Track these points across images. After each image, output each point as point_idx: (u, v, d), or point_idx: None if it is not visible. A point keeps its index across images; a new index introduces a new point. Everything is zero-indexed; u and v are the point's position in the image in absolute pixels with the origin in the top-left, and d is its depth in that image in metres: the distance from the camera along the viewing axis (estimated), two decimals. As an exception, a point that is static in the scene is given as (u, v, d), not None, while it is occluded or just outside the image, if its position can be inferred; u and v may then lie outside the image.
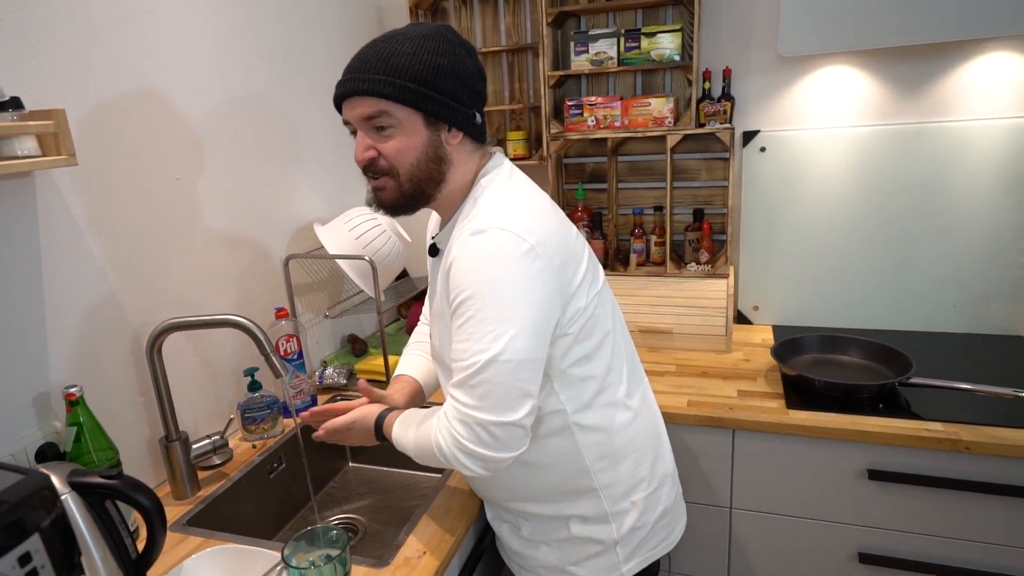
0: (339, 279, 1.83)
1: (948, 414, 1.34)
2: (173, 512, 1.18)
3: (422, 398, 1.19)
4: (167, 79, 1.26)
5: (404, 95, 0.89)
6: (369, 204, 1.00)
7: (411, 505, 1.44)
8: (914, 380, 1.40)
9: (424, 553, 1.03)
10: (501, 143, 1.97)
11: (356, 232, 1.59)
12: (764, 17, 1.72)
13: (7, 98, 0.90)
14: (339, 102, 0.94)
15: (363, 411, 1.07)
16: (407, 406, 1.11)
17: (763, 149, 1.80)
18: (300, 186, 1.67)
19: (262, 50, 1.53)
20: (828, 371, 1.57)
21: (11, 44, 0.98)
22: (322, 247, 1.59)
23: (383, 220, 1.63)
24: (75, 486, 0.87)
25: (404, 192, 0.95)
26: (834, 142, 1.72)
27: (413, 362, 1.22)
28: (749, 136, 1.81)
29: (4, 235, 0.99)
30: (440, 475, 1.30)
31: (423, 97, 0.90)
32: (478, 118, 0.98)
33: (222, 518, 1.23)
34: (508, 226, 0.88)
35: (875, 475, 1.34)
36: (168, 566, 0.98)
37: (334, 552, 0.86)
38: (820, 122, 1.75)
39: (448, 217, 1.01)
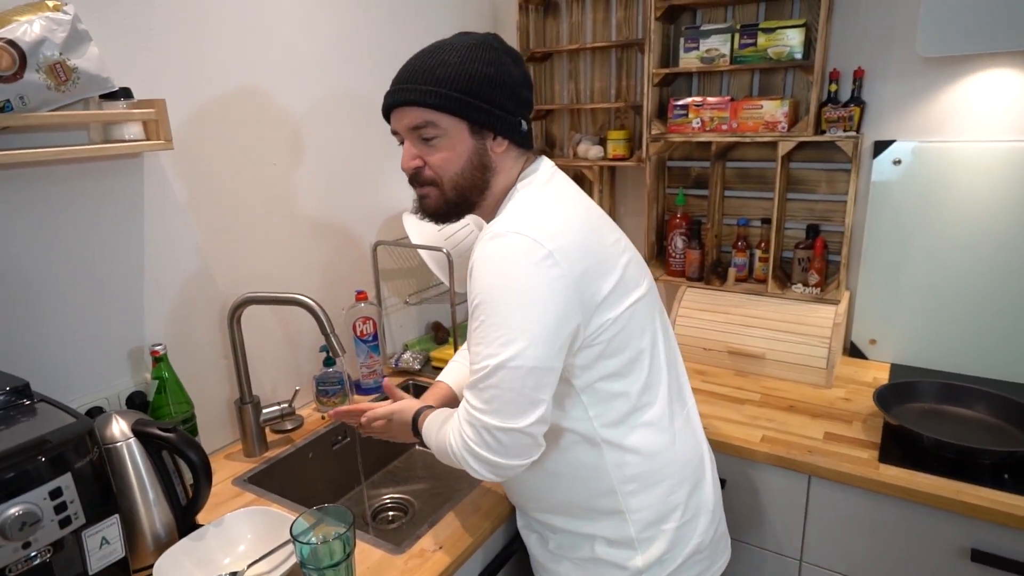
0: (426, 268, 1.89)
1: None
2: (239, 467, 1.30)
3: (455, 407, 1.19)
4: (273, 73, 1.38)
5: (449, 105, 0.91)
6: (415, 212, 1.03)
7: (463, 495, 1.46)
8: (1051, 452, 1.17)
9: (439, 548, 1.05)
10: (602, 142, 1.92)
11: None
12: (908, 12, 1.50)
13: (116, 88, 1.03)
14: (387, 112, 0.97)
15: (403, 404, 1.09)
16: None
17: (897, 162, 1.58)
18: (392, 177, 1.75)
19: (371, 47, 1.61)
20: (942, 426, 1.35)
21: (133, 40, 1.13)
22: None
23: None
24: (137, 434, 0.99)
25: (448, 200, 0.97)
26: (986, 158, 1.46)
27: (455, 370, 1.23)
28: (882, 146, 1.59)
29: (115, 207, 1.14)
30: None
31: (468, 106, 0.91)
32: (524, 125, 0.98)
33: (281, 480, 1.33)
34: (526, 231, 0.86)
35: (980, 557, 1.14)
36: (216, 516, 1.08)
37: (341, 530, 0.90)
38: (970, 134, 1.50)
39: (489, 218, 1.00)
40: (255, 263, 1.40)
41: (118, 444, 0.98)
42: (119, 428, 0.99)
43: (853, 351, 1.74)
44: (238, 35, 1.30)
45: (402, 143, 0.98)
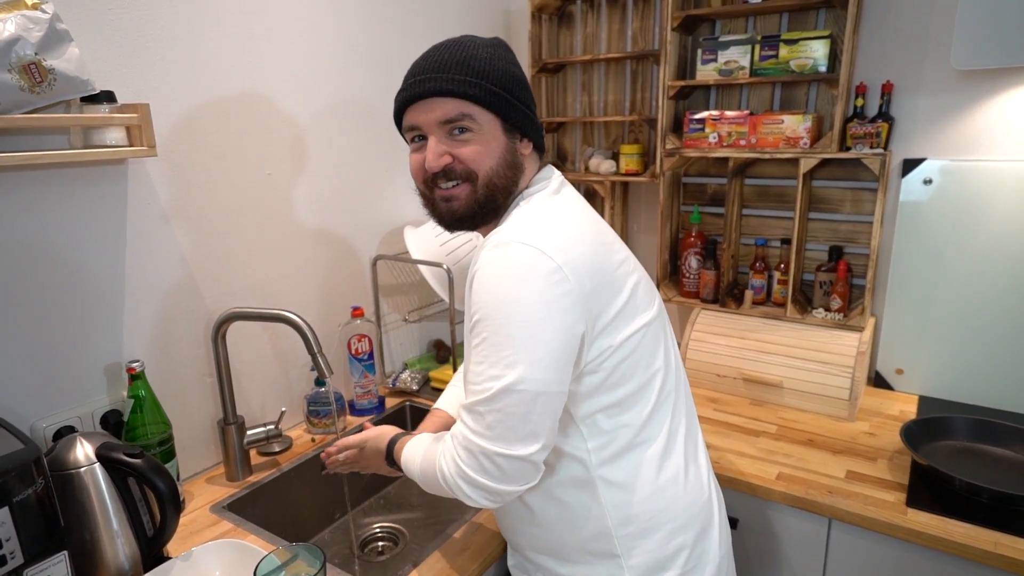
0: (428, 284, 1.82)
1: None
2: (219, 492, 1.23)
3: None
4: (266, 81, 1.33)
5: (489, 98, 0.85)
6: (435, 216, 0.93)
7: (456, 527, 1.38)
8: (1098, 502, 1.06)
9: (423, 591, 0.97)
10: (615, 157, 1.84)
11: (443, 238, 1.57)
12: (942, 24, 1.41)
13: (97, 91, 0.98)
14: (408, 104, 0.89)
15: (378, 431, 1.03)
16: None
17: (928, 181, 1.49)
18: (398, 187, 1.69)
19: (374, 55, 1.56)
20: (977, 467, 1.25)
21: (119, 41, 1.08)
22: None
23: (472, 229, 1.59)
24: (101, 459, 0.93)
25: (478, 199, 0.88)
26: (1022, 180, 1.37)
27: (454, 395, 1.16)
28: (911, 165, 1.50)
29: (97, 215, 1.09)
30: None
31: (505, 102, 0.87)
32: (543, 129, 0.94)
33: (263, 508, 1.26)
34: (534, 242, 0.79)
35: (1019, 616, 1.03)
36: (188, 546, 1.01)
37: (312, 571, 0.83)
38: (1007, 153, 1.41)
39: (488, 232, 0.93)
40: (245, 276, 1.35)
41: (81, 470, 0.92)
42: (83, 452, 0.93)
43: (878, 381, 1.64)
44: (233, 39, 1.25)
45: (416, 140, 0.90)
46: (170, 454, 1.16)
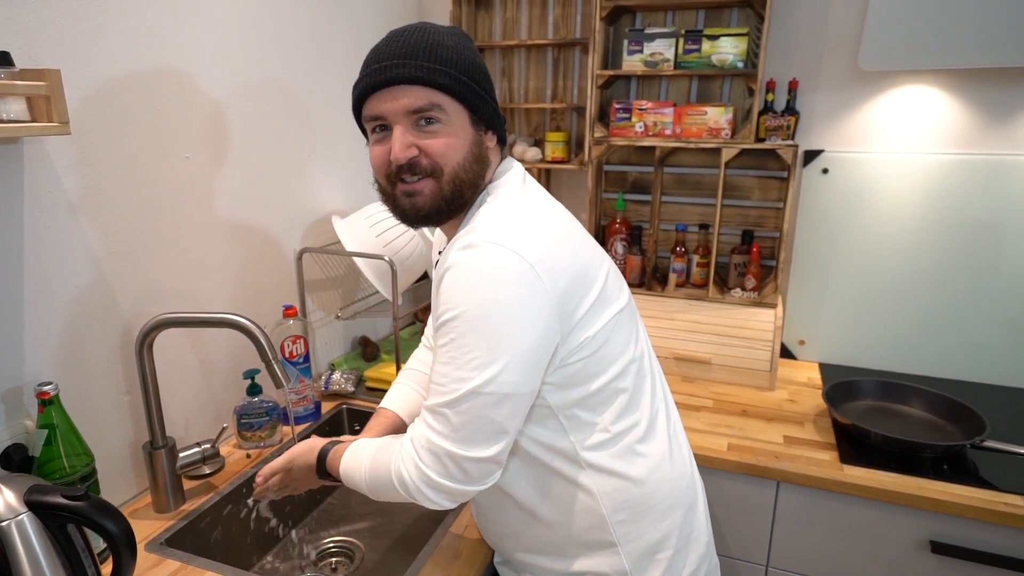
0: (355, 276, 1.71)
1: (1027, 486, 1.18)
2: (152, 527, 1.06)
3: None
4: (184, 52, 1.15)
5: (458, 88, 0.81)
6: (397, 213, 0.88)
7: (416, 532, 1.32)
8: (988, 444, 1.25)
9: (427, 606, 0.91)
10: (539, 144, 1.84)
11: (378, 228, 1.47)
12: (842, 26, 1.57)
13: (-8, 52, 0.79)
14: (374, 91, 0.81)
15: (305, 445, 0.95)
16: None
17: (825, 171, 1.65)
18: (320, 174, 1.55)
19: (294, 31, 1.41)
20: (887, 423, 1.42)
21: (7, -8, 0.87)
22: (339, 242, 1.47)
23: (407, 218, 1.51)
24: (33, 505, 0.76)
25: (444, 195, 0.84)
26: (906, 169, 1.57)
27: (400, 393, 1.10)
28: (811, 156, 1.66)
29: (-17, 208, 0.88)
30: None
31: (473, 93, 0.82)
32: (505, 122, 0.91)
33: (206, 537, 1.11)
34: (506, 241, 0.77)
35: (939, 548, 1.19)
36: (136, 597, 0.86)
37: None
38: (892, 146, 1.60)
39: (454, 230, 0.88)
40: (163, 276, 1.16)
41: (3, 523, 0.74)
42: (3, 501, 0.75)
43: (784, 352, 1.80)
44: (149, 2, 1.06)
45: (378, 130, 0.83)
46: (94, 490, 0.98)
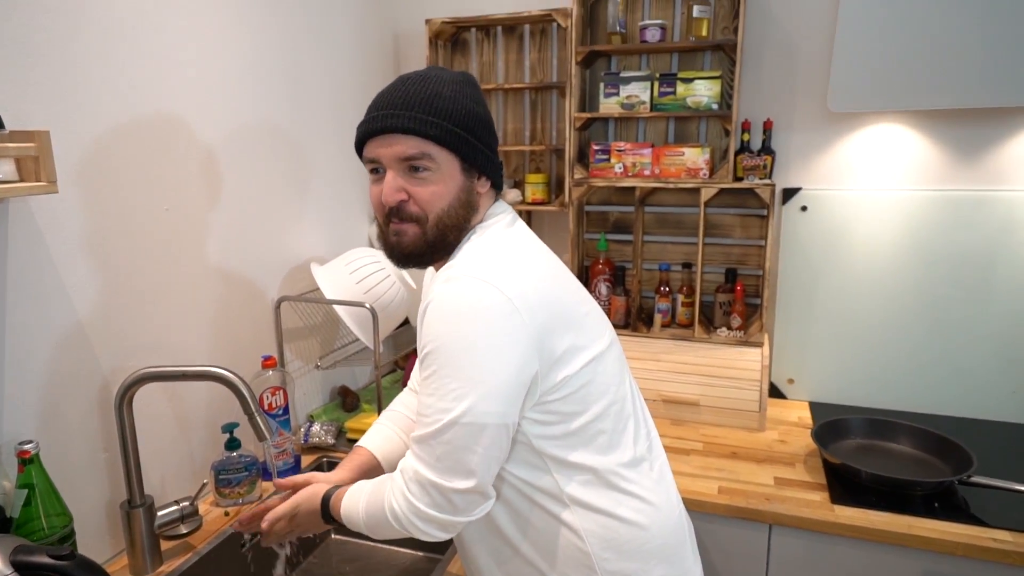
0: (333, 324, 1.77)
1: (1017, 521, 1.26)
2: (128, 590, 1.09)
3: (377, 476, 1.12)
4: (166, 105, 1.23)
5: (449, 138, 0.90)
6: (386, 250, 0.97)
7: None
8: (976, 479, 1.33)
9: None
10: (519, 185, 1.94)
11: (357, 276, 1.55)
12: (811, 68, 1.71)
13: (-14, 116, 0.86)
14: (371, 137, 0.92)
15: (308, 492, 1.01)
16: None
17: (804, 208, 1.77)
18: (298, 222, 1.63)
19: (273, 80, 1.50)
20: (874, 461, 1.49)
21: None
22: (317, 289, 1.54)
23: (387, 264, 1.58)
24: (18, 566, 0.80)
25: (427, 240, 0.93)
26: (882, 205, 1.69)
27: (379, 434, 1.16)
28: (790, 193, 1.78)
29: (-33, 266, 0.94)
30: (441, 556, 1.22)
31: (464, 143, 0.92)
32: (502, 167, 1.00)
33: (183, 600, 1.14)
34: (485, 276, 0.85)
35: (932, 586, 1.26)
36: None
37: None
38: (868, 183, 1.72)
39: (441, 266, 0.97)
40: (142, 329, 1.22)
41: (-10, 584, 0.78)
42: (-11, 561, 0.79)
43: (773, 391, 1.88)
44: (131, 56, 1.15)
45: (375, 172, 0.94)
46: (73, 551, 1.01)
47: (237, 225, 1.43)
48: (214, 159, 1.36)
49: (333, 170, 1.75)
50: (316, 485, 1.03)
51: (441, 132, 0.89)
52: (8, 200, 0.98)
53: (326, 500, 0.99)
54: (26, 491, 0.96)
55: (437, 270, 1.00)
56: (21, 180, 0.92)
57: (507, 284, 0.85)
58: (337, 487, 1.00)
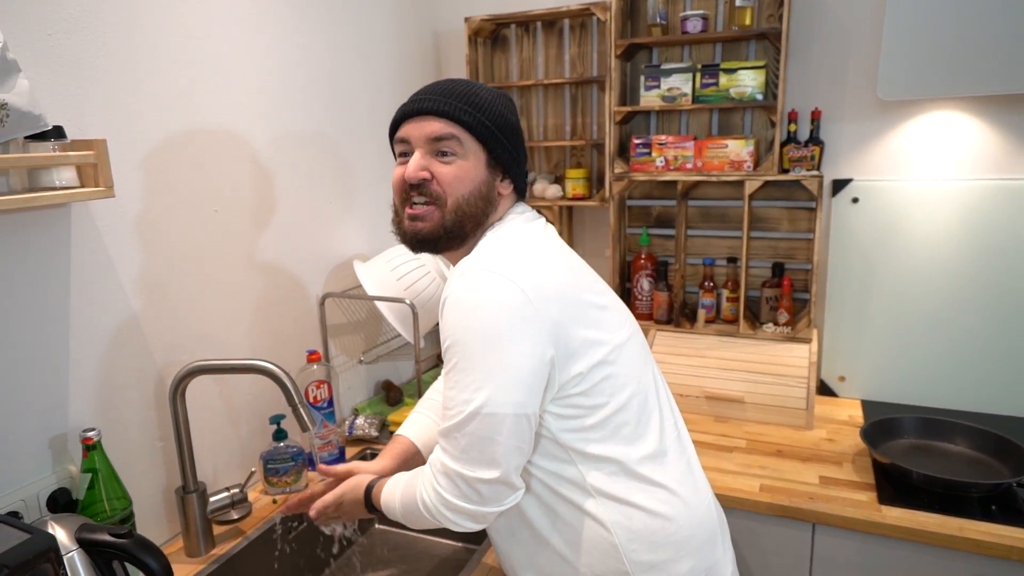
0: (377, 320, 1.84)
1: (1078, 526, 1.22)
2: (184, 571, 1.18)
3: (417, 464, 1.16)
4: (215, 111, 1.31)
5: (481, 129, 0.95)
6: (399, 234, 1.02)
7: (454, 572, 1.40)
8: (1035, 481, 1.29)
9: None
10: (560, 181, 1.97)
11: (398, 272, 1.61)
12: (861, 55, 1.67)
13: (50, 127, 0.95)
14: (403, 120, 0.98)
15: (352, 482, 1.06)
16: (396, 471, 1.10)
17: (855, 200, 1.74)
18: (342, 221, 1.70)
19: (316, 84, 1.58)
20: (928, 462, 1.46)
21: (60, 69, 1.04)
22: (360, 286, 1.60)
23: (427, 260, 1.64)
24: (83, 543, 0.88)
25: (444, 225, 0.97)
26: (939, 196, 1.64)
27: (417, 422, 1.21)
28: (840, 185, 1.75)
29: (35, 268, 1.03)
30: (478, 546, 1.26)
31: (494, 137, 0.97)
32: (528, 177, 1.05)
33: (235, 582, 1.22)
34: (500, 269, 0.88)
35: (984, 592, 1.23)
36: (172, 636, 0.97)
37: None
38: (923, 173, 1.68)
39: (457, 259, 1.02)
40: (193, 326, 1.31)
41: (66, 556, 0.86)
42: (58, 539, 0.88)
43: (823, 389, 1.86)
44: (182, 67, 1.23)
45: (403, 155, 0.99)
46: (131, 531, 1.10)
47: (283, 225, 1.51)
48: (261, 163, 1.43)
49: (374, 171, 1.82)
50: (360, 476, 1.08)
51: (474, 121, 0.94)
52: (71, 205, 1.07)
53: (369, 490, 1.04)
54: (90, 475, 1.05)
55: (453, 265, 1.04)
56: (82, 186, 1.01)
57: (521, 277, 0.88)
58: (380, 478, 1.05)
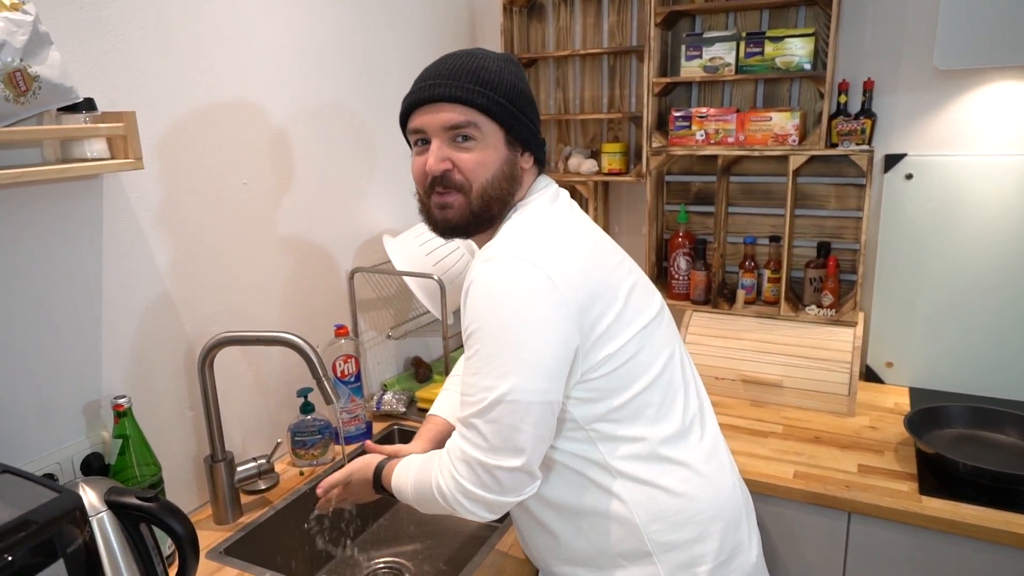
0: (406, 296, 1.87)
1: None
2: (212, 537, 1.23)
3: None
4: (243, 83, 1.34)
5: (495, 109, 0.94)
6: (429, 223, 1.02)
7: (463, 555, 1.43)
8: (1093, 476, 1.24)
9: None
10: (596, 155, 1.95)
11: (427, 248, 1.62)
12: (919, 22, 1.60)
13: (81, 99, 0.98)
14: (414, 108, 0.97)
15: (362, 461, 1.09)
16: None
17: (909, 176, 1.67)
18: (371, 195, 1.72)
19: (345, 56, 1.59)
20: (977, 453, 1.42)
21: (88, 42, 1.08)
22: (390, 261, 1.63)
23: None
24: (111, 505, 0.93)
25: (472, 210, 0.97)
26: (1000, 172, 1.57)
27: (449, 400, 1.22)
28: (893, 160, 1.69)
29: (69, 238, 1.08)
30: (499, 525, 1.28)
31: (510, 114, 0.96)
32: (546, 144, 1.04)
33: (261, 549, 1.27)
34: (523, 254, 0.88)
35: (1031, 590, 1.20)
36: (198, 599, 1.02)
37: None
38: (983, 148, 1.61)
39: (484, 243, 1.01)
40: (223, 297, 1.35)
41: (89, 520, 0.91)
42: (88, 500, 0.92)
43: (869, 375, 1.81)
44: (210, 39, 1.26)
45: (419, 143, 0.99)
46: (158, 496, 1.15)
47: (312, 199, 1.54)
48: (289, 136, 1.46)
49: (404, 145, 1.81)
50: (371, 456, 1.11)
51: (488, 102, 0.93)
52: (102, 177, 1.11)
53: (378, 470, 1.06)
54: (121, 441, 1.10)
55: (478, 246, 1.04)
56: (112, 158, 1.04)
57: (546, 262, 0.88)
58: (389, 459, 1.07)
